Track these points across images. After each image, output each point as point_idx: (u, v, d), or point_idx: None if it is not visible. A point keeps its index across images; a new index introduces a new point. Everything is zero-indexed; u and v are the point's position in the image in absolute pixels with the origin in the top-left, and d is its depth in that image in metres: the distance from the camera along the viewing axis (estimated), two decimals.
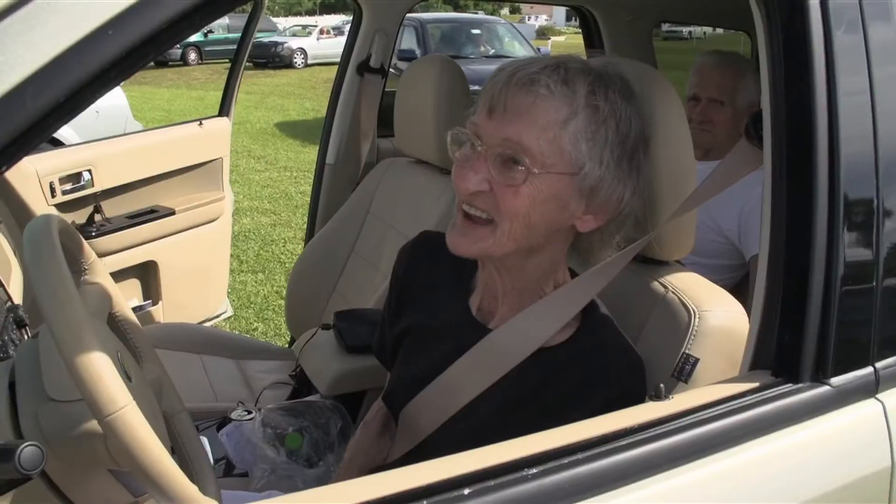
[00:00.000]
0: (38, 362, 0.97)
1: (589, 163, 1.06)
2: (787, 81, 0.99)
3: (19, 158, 0.57)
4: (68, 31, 0.57)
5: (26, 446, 0.77)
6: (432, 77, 2.08)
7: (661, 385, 0.91)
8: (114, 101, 6.28)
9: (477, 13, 23.98)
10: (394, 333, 1.35)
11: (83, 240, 1.18)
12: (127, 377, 1.05)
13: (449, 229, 1.14)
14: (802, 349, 0.99)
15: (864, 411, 1.04)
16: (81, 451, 0.91)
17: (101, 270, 1.23)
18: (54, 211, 2.59)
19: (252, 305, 4.60)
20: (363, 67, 2.77)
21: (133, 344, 1.30)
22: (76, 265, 1.18)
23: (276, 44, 21.47)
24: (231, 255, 5.34)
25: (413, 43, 12.22)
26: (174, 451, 1.27)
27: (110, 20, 0.57)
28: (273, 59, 21.08)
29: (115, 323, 1.27)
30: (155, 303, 3.03)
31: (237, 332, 4.10)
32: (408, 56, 10.67)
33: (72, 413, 0.91)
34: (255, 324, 4.35)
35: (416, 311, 1.31)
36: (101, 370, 0.85)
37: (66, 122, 0.59)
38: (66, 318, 0.86)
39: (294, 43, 21.79)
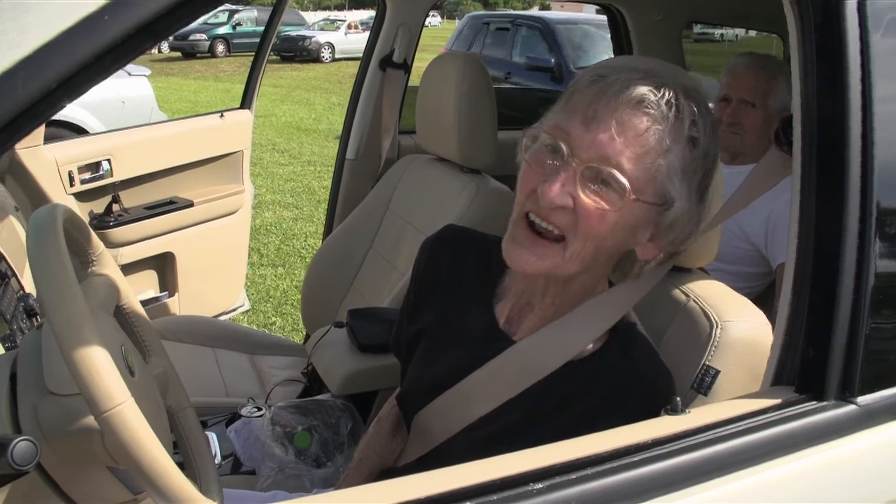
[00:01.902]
0: (40, 354, 0.96)
1: (678, 199, 1.02)
2: (819, 85, 0.95)
3: (11, 146, 0.55)
4: (63, 14, 0.55)
5: (19, 441, 0.76)
6: (455, 74, 2.06)
7: (678, 399, 0.88)
8: (140, 91, 6.33)
9: (507, 10, 23.85)
10: (411, 331, 1.31)
11: (91, 230, 1.16)
12: (130, 372, 1.03)
13: (509, 243, 1.08)
14: (828, 365, 0.95)
15: (891, 433, 1.00)
16: (79, 446, 0.90)
17: (109, 262, 1.21)
18: (72, 200, 2.61)
19: (271, 300, 4.60)
20: (386, 62, 2.76)
21: (140, 337, 1.28)
22: (84, 256, 1.17)
23: (303, 37, 21.57)
24: (251, 249, 5.39)
25: (535, 47, 9.64)
26: (178, 448, 1.25)
27: (106, 5, 0.55)
28: (300, 52, 21.18)
29: (122, 316, 1.26)
30: (171, 295, 3.04)
31: (254, 327, 4.10)
32: (543, 65, 9.09)
33: (70, 407, 0.90)
34: (273, 318, 4.35)
35: (435, 311, 1.27)
36: (100, 365, 0.83)
37: (58, 110, 0.57)
38: (65, 310, 0.85)
39: (322, 37, 21.88)
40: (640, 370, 1.08)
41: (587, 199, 1.00)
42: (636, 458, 0.77)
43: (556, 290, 1.11)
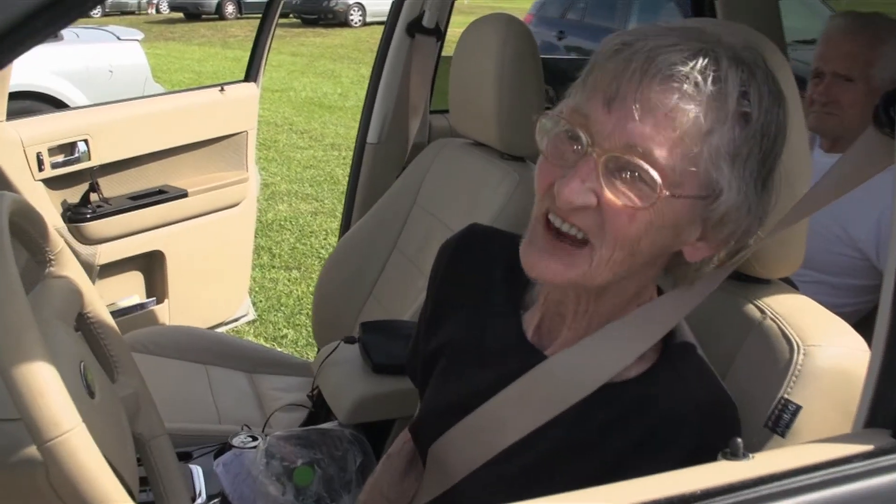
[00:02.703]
0: None
1: (727, 188, 1.00)
2: None
3: None
4: None
5: None
6: (494, 41, 2.05)
7: (739, 440, 0.86)
8: (131, 59, 6.46)
9: None
10: (428, 349, 1.31)
11: (48, 225, 1.18)
12: (89, 392, 1.05)
13: (527, 246, 1.07)
14: None
15: None
16: (19, 480, 0.91)
17: (70, 262, 1.24)
18: (41, 187, 2.65)
19: (282, 308, 4.66)
20: (414, 27, 2.76)
21: (108, 352, 1.30)
22: (40, 255, 1.19)
23: None
24: (262, 248, 5.47)
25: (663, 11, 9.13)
26: (148, 485, 1.27)
27: None
28: (325, 15, 21.38)
29: (86, 326, 1.28)
30: (160, 301, 3.08)
31: (261, 341, 4.15)
32: None
33: (12, 434, 0.92)
34: (285, 330, 4.40)
35: (456, 325, 1.27)
36: (44, 384, 0.84)
37: None
38: (5, 318, 0.86)
39: None
40: (695, 399, 1.06)
41: (612, 195, 0.98)
42: None
43: (588, 298, 1.11)
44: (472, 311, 1.26)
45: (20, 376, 0.83)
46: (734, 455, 0.86)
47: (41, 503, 0.95)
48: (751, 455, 0.86)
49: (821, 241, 2.24)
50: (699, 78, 0.96)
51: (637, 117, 0.96)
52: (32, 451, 0.89)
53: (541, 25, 10.27)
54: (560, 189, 0.99)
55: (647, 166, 0.96)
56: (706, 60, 0.97)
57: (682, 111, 0.96)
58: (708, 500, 0.78)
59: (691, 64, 0.97)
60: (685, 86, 0.96)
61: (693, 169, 0.98)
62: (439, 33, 2.79)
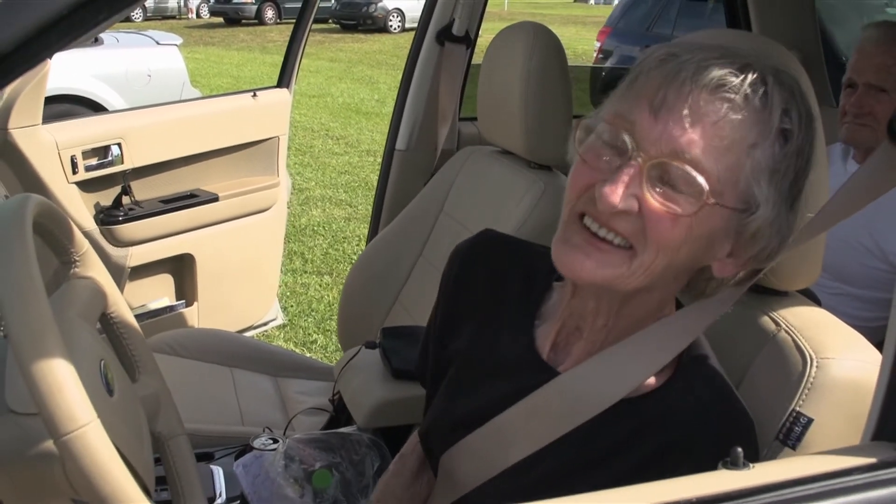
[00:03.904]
0: (3, 366, 1.01)
1: (764, 204, 1.01)
2: None
3: None
4: None
5: None
6: (521, 50, 2.07)
7: (739, 449, 0.87)
8: (169, 63, 6.54)
9: None
10: (439, 355, 1.33)
11: (74, 226, 1.21)
12: (108, 390, 1.08)
13: (559, 245, 1.07)
14: None
15: None
16: (38, 474, 0.94)
17: (95, 263, 1.26)
18: (75, 190, 2.71)
19: (313, 313, 4.68)
20: (444, 35, 2.78)
21: (130, 352, 1.33)
22: (65, 256, 1.22)
23: (368, 3, 21.90)
24: (294, 253, 5.51)
25: None
26: (165, 484, 1.30)
27: None
28: (364, 20, 21.51)
29: (109, 326, 1.31)
30: (189, 304, 3.12)
31: (290, 346, 4.17)
32: None
33: (31, 429, 0.94)
34: (315, 336, 4.42)
35: (469, 334, 1.28)
36: (62, 381, 0.87)
37: (15, 77, 0.60)
38: (26, 317, 0.89)
39: (390, 2, 22.16)
40: (710, 413, 1.06)
41: (655, 201, 0.99)
42: None
43: (610, 310, 1.11)
44: (485, 320, 1.27)
45: (39, 372, 0.86)
46: (734, 464, 0.87)
47: (58, 497, 0.98)
48: (750, 465, 0.87)
49: (853, 253, 2.23)
50: (749, 91, 0.98)
51: (686, 125, 0.98)
52: (49, 445, 0.91)
53: (622, 39, 10.04)
54: (602, 194, 0.99)
55: (694, 173, 0.98)
56: (755, 76, 0.99)
57: (731, 122, 0.98)
58: None
59: (741, 77, 0.99)
60: (735, 96, 0.98)
61: (735, 180, 1.00)
62: (469, 41, 2.81)
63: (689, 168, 0.98)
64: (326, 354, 4.19)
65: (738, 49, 1.04)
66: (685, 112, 0.98)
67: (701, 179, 0.98)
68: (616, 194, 0.99)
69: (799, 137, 1.02)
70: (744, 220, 1.02)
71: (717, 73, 0.98)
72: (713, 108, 0.98)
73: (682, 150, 0.98)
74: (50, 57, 0.63)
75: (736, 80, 0.98)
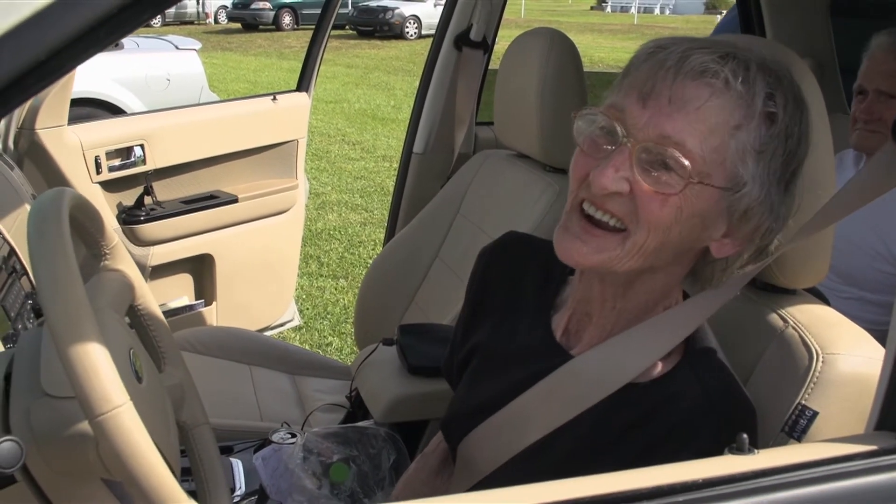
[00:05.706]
0: (39, 353, 1.05)
1: (751, 182, 1.06)
2: None
3: None
4: None
5: (3, 441, 0.84)
6: (537, 55, 2.10)
7: (745, 436, 0.90)
8: (188, 67, 6.61)
9: None
10: (463, 351, 1.37)
11: (104, 220, 1.25)
12: (137, 378, 1.12)
13: (560, 233, 1.12)
14: None
15: None
16: (72, 454, 0.98)
17: (124, 257, 1.30)
18: (98, 189, 2.76)
19: (328, 316, 4.72)
20: (462, 40, 2.81)
21: (156, 343, 1.37)
22: (95, 248, 1.26)
23: (385, 9, 21.94)
24: (310, 256, 5.55)
25: None
26: (189, 474, 1.33)
27: None
28: (381, 27, 21.54)
29: (136, 318, 1.35)
30: (208, 303, 3.16)
31: (305, 347, 4.20)
32: None
33: (66, 411, 0.98)
34: (330, 338, 4.46)
35: (489, 327, 1.33)
36: (98, 363, 0.90)
37: (48, 84, 0.64)
38: (63, 302, 0.93)
39: (407, 9, 22.20)
40: (712, 399, 1.10)
41: (644, 182, 1.05)
42: (680, 499, 0.79)
43: (616, 293, 1.16)
44: (505, 313, 1.31)
45: (76, 356, 0.89)
46: (739, 450, 0.90)
47: (91, 477, 1.02)
48: (755, 450, 0.90)
49: (863, 257, 2.24)
50: (730, 76, 1.04)
51: (670, 111, 1.04)
52: (83, 427, 0.95)
53: None
54: (595, 176, 1.06)
55: (678, 154, 1.03)
56: (736, 62, 1.05)
57: (713, 106, 1.03)
58: (709, 488, 0.82)
59: (723, 64, 1.04)
60: (716, 82, 1.03)
61: (721, 161, 1.04)
62: (486, 46, 2.84)
63: (673, 150, 1.03)
64: (341, 357, 4.21)
65: (725, 42, 1.09)
66: (670, 99, 1.04)
67: (685, 161, 1.03)
68: (607, 176, 1.05)
69: (785, 120, 1.07)
70: (732, 198, 1.06)
71: (698, 60, 1.04)
72: (696, 94, 1.03)
73: (667, 134, 1.03)
74: (98, 52, 0.67)
75: (717, 66, 1.04)
